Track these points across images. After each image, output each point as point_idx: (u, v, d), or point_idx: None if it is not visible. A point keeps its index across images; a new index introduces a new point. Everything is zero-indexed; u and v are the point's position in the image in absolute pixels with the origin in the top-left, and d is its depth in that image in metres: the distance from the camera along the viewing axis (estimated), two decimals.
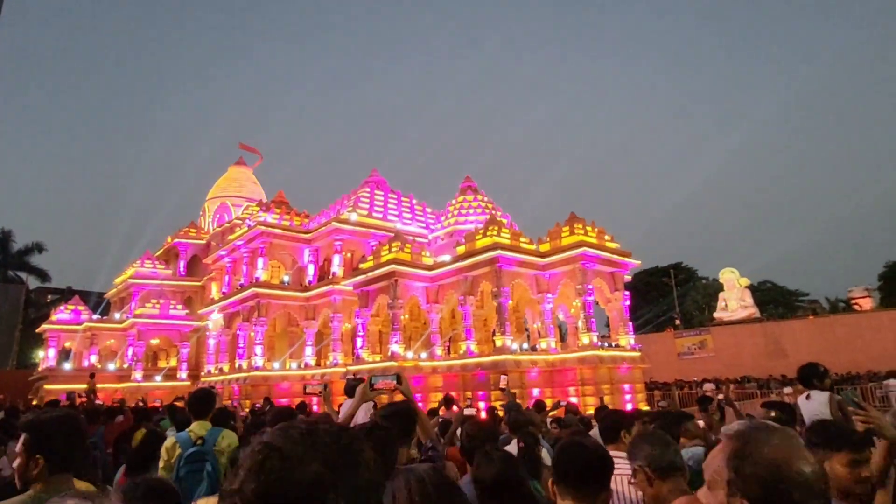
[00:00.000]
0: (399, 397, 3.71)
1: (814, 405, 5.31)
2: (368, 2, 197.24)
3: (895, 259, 44.89)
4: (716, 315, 38.71)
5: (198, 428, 4.02)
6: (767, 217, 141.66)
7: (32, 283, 48.61)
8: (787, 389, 23.90)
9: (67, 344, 34.29)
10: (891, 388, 21.31)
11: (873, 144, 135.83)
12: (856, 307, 44.18)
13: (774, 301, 49.02)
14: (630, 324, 21.14)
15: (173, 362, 33.57)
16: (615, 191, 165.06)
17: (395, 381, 3.58)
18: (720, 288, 40.72)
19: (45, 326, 34.12)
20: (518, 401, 11.11)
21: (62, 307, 35.34)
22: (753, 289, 40.93)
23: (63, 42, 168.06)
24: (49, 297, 64.09)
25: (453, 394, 19.51)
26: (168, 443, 3.94)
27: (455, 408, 9.61)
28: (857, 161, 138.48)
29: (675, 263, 57.01)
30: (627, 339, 20.46)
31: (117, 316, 35.42)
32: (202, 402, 4.26)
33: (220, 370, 28.16)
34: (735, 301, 37.57)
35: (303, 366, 26.07)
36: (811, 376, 5.66)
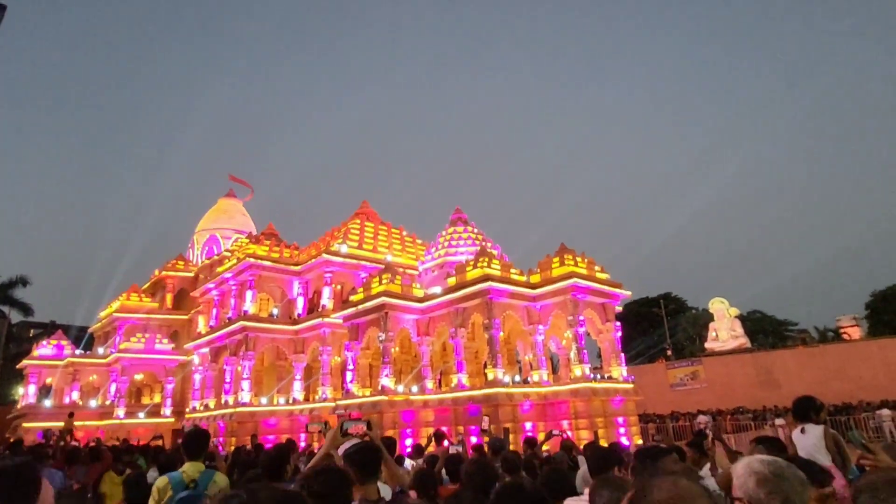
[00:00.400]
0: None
1: (809, 439, 5.24)
2: (360, 31, 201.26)
3: (881, 288, 45.37)
4: (707, 345, 38.68)
5: (190, 469, 3.87)
6: (755, 247, 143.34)
7: (15, 317, 47.48)
8: (780, 421, 23.88)
9: (49, 380, 33.44)
10: (883, 418, 21.29)
11: (860, 178, 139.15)
12: (845, 336, 44.36)
13: (764, 331, 49.13)
14: (622, 355, 21.03)
15: (157, 398, 32.79)
16: (605, 222, 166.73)
17: (365, 427, 3.63)
18: (710, 318, 40.79)
19: (25, 362, 33.31)
20: (511, 434, 10.91)
21: (44, 342, 34.60)
22: (743, 319, 41.09)
23: (48, 74, 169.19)
24: (32, 331, 62.83)
25: (445, 429, 19.19)
26: (160, 483, 3.79)
27: (445, 443, 9.47)
28: (843, 193, 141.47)
29: (665, 294, 57.24)
30: (620, 370, 20.32)
31: (101, 351, 34.70)
32: (196, 441, 4.10)
33: (206, 406, 27.50)
34: (725, 331, 37.62)
35: (291, 401, 25.55)
36: (808, 409, 5.59)
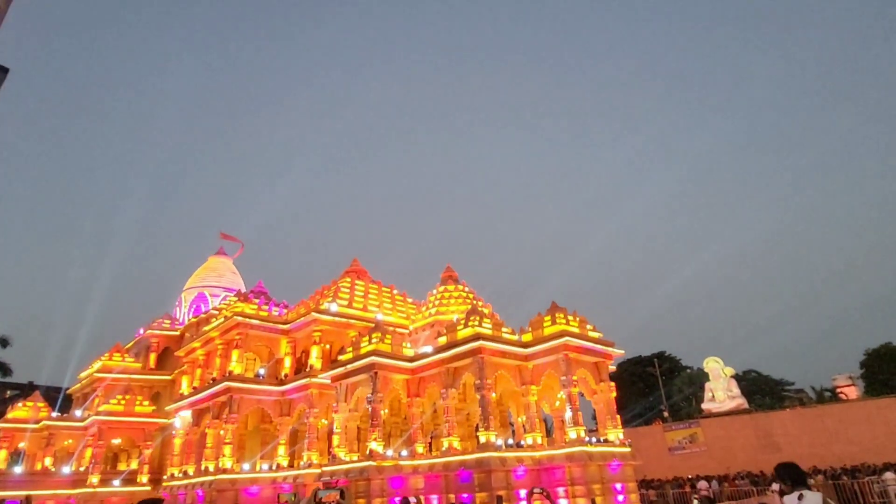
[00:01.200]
0: None
1: None
2: (353, 80, 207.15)
3: (875, 346, 45.18)
4: (704, 406, 37.89)
5: None
6: (750, 309, 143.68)
7: None
8: (774, 486, 23.04)
9: (21, 444, 31.94)
10: (888, 482, 20.59)
11: (856, 242, 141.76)
12: (842, 396, 43.76)
13: (761, 391, 48.39)
14: (618, 416, 20.48)
15: (134, 464, 31.25)
16: (599, 282, 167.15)
17: (338, 496, 3.50)
18: (705, 377, 40.21)
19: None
20: (505, 503, 10.37)
21: (20, 403, 33.30)
22: (739, 378, 40.49)
23: (22, 120, 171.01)
24: (8, 392, 60.74)
25: (435, 497, 18.32)
26: None
27: None
28: (836, 253, 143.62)
29: (659, 353, 56.63)
30: (616, 433, 19.71)
31: (79, 413, 33.41)
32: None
33: (185, 473, 26.19)
34: (722, 391, 36.98)
35: (275, 467, 24.44)
36: (801, 475, 5.53)
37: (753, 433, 32.76)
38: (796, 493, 5.40)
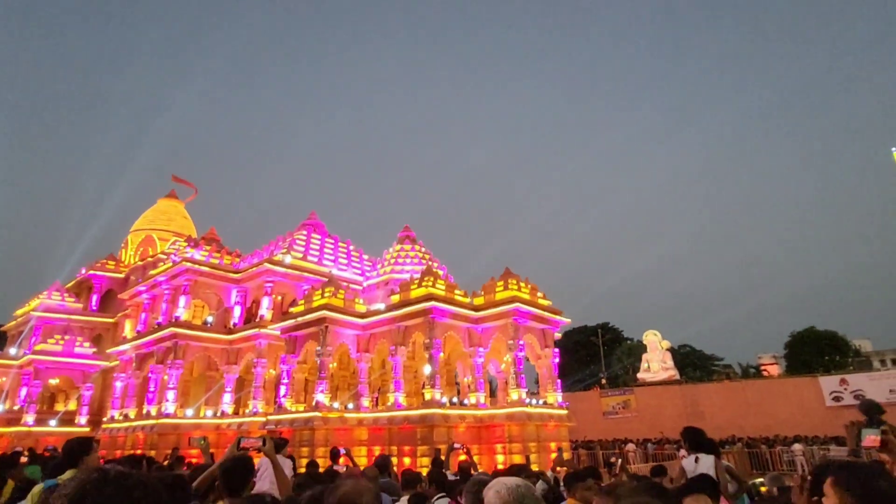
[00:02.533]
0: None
1: (702, 468, 5.78)
2: (313, 42, 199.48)
3: (800, 329, 48.44)
4: (639, 375, 40.02)
5: (70, 476, 3.79)
6: (690, 288, 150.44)
7: None
8: (682, 452, 24.90)
9: None
10: (796, 452, 22.56)
11: (795, 231, 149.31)
12: (765, 373, 47.08)
13: (692, 364, 51.34)
14: (559, 381, 21.43)
15: (73, 406, 30.58)
16: (553, 250, 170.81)
17: (260, 442, 4.00)
18: (644, 349, 42.31)
19: None
20: (442, 458, 10.85)
21: None
22: (673, 352, 42.85)
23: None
24: None
25: (377, 448, 18.88)
26: (36, 489, 3.89)
27: (343, 461, 9.56)
28: (778, 244, 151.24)
29: (603, 323, 58.97)
30: (555, 396, 20.67)
31: (13, 351, 32.17)
32: (76, 450, 4.24)
33: (126, 416, 25.86)
34: (657, 362, 39.09)
35: (219, 414, 24.48)
36: (701, 440, 6.14)
37: (682, 402, 34.96)
38: (693, 456, 5.98)
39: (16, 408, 29.50)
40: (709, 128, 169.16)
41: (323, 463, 10.42)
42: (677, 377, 38.60)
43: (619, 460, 7.87)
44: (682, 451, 23.61)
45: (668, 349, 40.05)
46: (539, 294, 21.70)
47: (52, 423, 28.81)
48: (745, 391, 34.73)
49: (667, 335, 41.23)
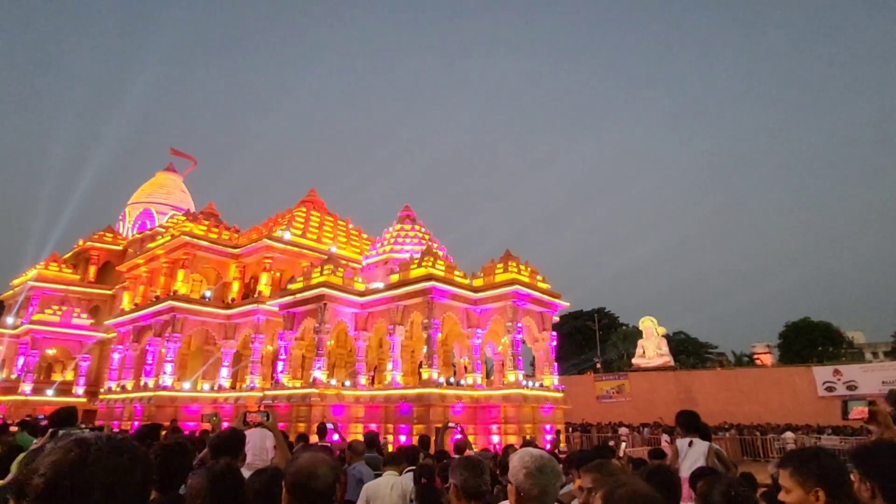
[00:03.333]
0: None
1: (695, 452, 5.82)
2: (325, 17, 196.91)
3: (794, 319, 48.70)
4: (634, 361, 40.28)
5: (48, 446, 3.94)
6: (689, 276, 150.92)
7: None
8: (665, 438, 25.17)
9: None
10: (787, 440, 22.81)
11: (796, 223, 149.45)
12: (758, 362, 47.46)
13: (687, 351, 51.74)
14: (555, 364, 21.53)
15: (70, 376, 30.69)
16: (545, 233, 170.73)
17: (263, 417, 4.18)
18: (639, 335, 42.51)
19: None
20: (441, 436, 10.89)
21: None
22: (669, 338, 43.08)
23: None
24: None
25: (374, 426, 19.00)
26: (21, 456, 4.11)
27: (337, 437, 9.69)
28: (776, 235, 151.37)
29: (599, 308, 59.17)
30: (552, 379, 20.78)
31: (10, 321, 32.16)
32: (64, 419, 4.51)
33: (123, 387, 25.95)
34: (652, 348, 39.32)
35: (216, 388, 24.58)
36: (695, 423, 6.12)
37: (675, 388, 35.25)
38: (688, 439, 5.99)
39: (13, 377, 29.61)
40: (713, 124, 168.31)
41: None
42: (672, 363, 38.88)
43: (623, 444, 7.89)
44: (666, 438, 24.00)
45: (663, 335, 40.26)
46: (538, 277, 21.69)
47: (49, 392, 28.95)
48: (738, 379, 35.01)
49: (662, 323, 41.44)
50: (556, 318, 22.66)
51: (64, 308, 30.73)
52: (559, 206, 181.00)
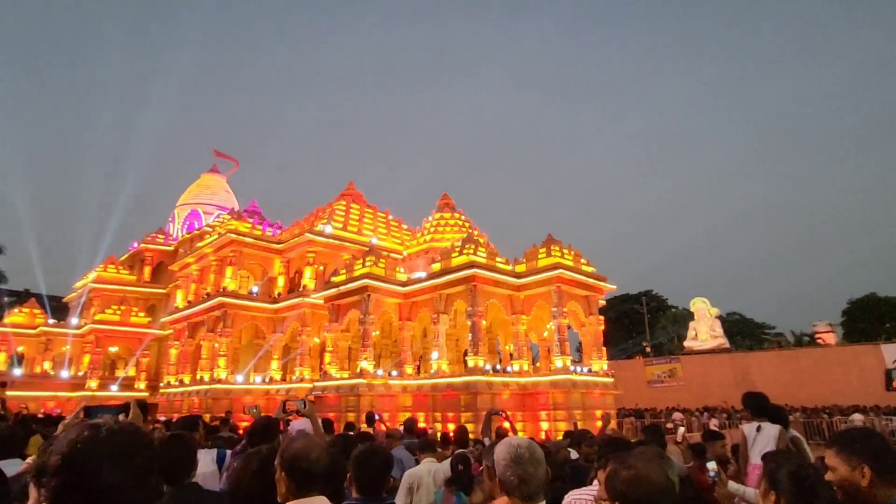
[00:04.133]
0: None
1: (764, 437, 5.38)
2: (359, 13, 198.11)
3: (858, 296, 46.12)
4: (686, 344, 38.99)
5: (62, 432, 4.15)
6: (742, 254, 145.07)
7: None
8: (715, 421, 24.20)
9: (20, 348, 32.70)
10: (856, 422, 21.56)
11: (856, 196, 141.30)
12: (819, 341, 45.13)
13: (742, 333, 49.78)
14: (604, 349, 21.00)
15: (132, 371, 32.20)
16: (589, 213, 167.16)
17: (301, 406, 4.38)
18: (690, 317, 41.11)
19: None
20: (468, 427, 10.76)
21: (17, 310, 33.76)
22: (722, 320, 41.47)
23: (26, 32, 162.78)
24: (6, 299, 61.37)
25: (421, 414, 19.06)
26: (33, 439, 4.51)
27: (382, 427, 9.77)
28: (836, 210, 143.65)
29: (646, 291, 57.64)
30: (601, 364, 20.29)
31: (75, 321, 33.94)
32: (95, 412, 4.54)
33: (181, 381, 27.05)
34: (705, 331, 37.93)
35: (267, 380, 25.23)
36: (763, 406, 5.69)
37: (731, 371, 33.93)
38: (755, 423, 5.54)
39: (80, 374, 31.27)
40: (768, 95, 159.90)
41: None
42: (727, 345, 37.40)
43: (681, 429, 7.46)
44: (714, 421, 23.04)
45: (716, 317, 38.74)
46: (583, 261, 21.14)
47: (114, 387, 30.44)
48: (800, 360, 33.38)
49: (715, 304, 39.87)
50: (602, 302, 22.08)
51: (123, 308, 32.24)
52: (602, 187, 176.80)
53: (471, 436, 9.77)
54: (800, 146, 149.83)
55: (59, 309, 38.95)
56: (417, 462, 5.15)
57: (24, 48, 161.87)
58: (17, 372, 31.07)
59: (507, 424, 9.78)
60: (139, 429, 1.37)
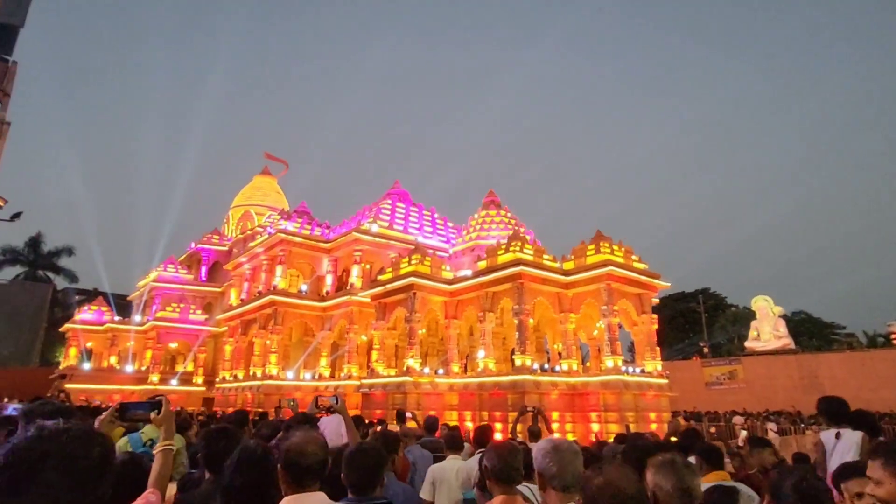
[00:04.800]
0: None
1: (844, 445, 4.84)
2: (402, 10, 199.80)
3: None
4: (747, 344, 37.05)
5: (150, 430, 4.26)
6: (795, 243, 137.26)
7: (61, 283, 49.64)
8: (772, 425, 22.62)
9: (89, 344, 34.60)
10: None
11: None
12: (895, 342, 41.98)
13: (808, 333, 46.95)
14: (657, 349, 20.14)
15: (190, 367, 33.53)
16: (641, 210, 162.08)
17: (333, 402, 4.33)
18: (751, 316, 39.08)
19: (67, 326, 34.56)
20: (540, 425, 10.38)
21: (85, 307, 35.75)
22: (786, 319, 39.20)
23: (92, 41, 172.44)
24: (77, 297, 65.44)
25: (468, 413, 18.84)
26: (121, 442, 4.28)
27: (413, 424, 9.69)
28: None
29: (703, 289, 55.28)
30: (655, 364, 19.47)
31: (138, 318, 35.63)
32: (130, 409, 4.45)
33: (235, 377, 27.91)
34: (768, 330, 35.91)
35: (317, 376, 25.64)
36: (842, 414, 5.14)
37: (797, 373, 32.00)
38: (833, 431, 5.00)
39: (143, 368, 32.81)
40: (828, 83, 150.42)
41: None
42: (792, 346, 35.29)
43: (744, 433, 6.90)
44: (772, 426, 21.58)
45: (780, 316, 36.62)
46: (634, 257, 20.35)
47: (174, 382, 31.75)
48: (874, 362, 31.09)
49: (778, 303, 37.69)
50: (655, 301, 21.19)
51: (182, 305, 33.60)
52: (655, 182, 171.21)
53: (519, 436, 9.48)
54: (878, 130, 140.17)
55: (124, 306, 41.10)
56: (438, 460, 5.22)
57: (78, 56, 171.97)
58: (86, 366, 32.91)
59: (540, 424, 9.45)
60: (89, 431, 1.30)
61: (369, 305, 23.47)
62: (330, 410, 4.50)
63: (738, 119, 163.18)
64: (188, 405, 25.68)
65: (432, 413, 16.24)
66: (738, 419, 25.32)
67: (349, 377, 23.67)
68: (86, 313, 35.00)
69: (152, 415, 2.68)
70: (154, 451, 2.47)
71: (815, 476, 2.41)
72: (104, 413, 2.72)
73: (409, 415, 10.01)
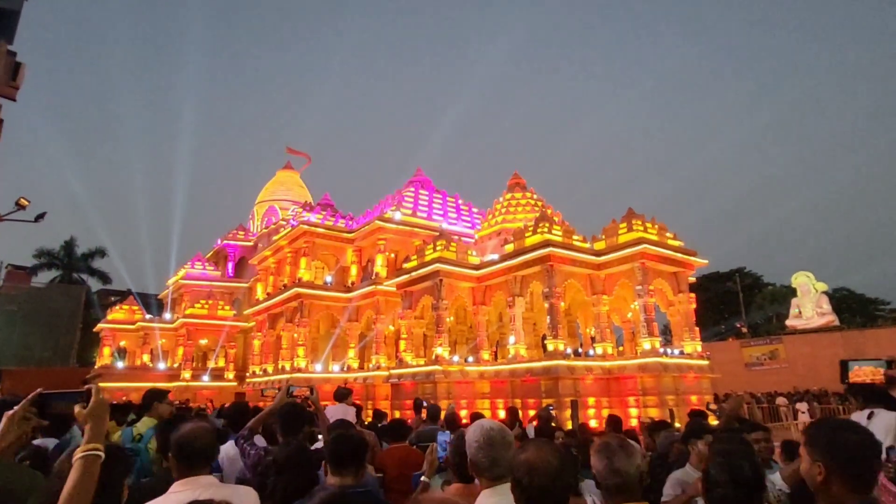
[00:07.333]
0: None
1: (877, 427, 4.29)
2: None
3: None
4: (789, 322, 35.53)
5: (142, 425, 4.15)
6: (837, 222, 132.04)
7: (95, 285, 50.56)
8: (802, 405, 21.49)
9: (122, 343, 35.14)
10: None
11: None
12: None
13: (851, 309, 44.97)
14: (696, 329, 19.25)
15: (221, 363, 33.76)
16: (670, 186, 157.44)
17: (308, 391, 4.56)
18: (790, 294, 37.50)
19: (100, 326, 35.10)
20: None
21: (117, 307, 36.29)
22: (829, 295, 37.51)
23: (113, 48, 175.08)
24: (111, 298, 66.85)
25: (500, 401, 18.30)
26: (114, 436, 4.25)
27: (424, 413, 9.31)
28: None
29: (739, 268, 53.51)
30: (694, 345, 18.62)
31: (168, 316, 36.01)
32: (150, 399, 4.49)
33: (265, 371, 27.93)
34: (811, 307, 34.35)
35: (345, 368, 25.44)
36: (878, 393, 4.71)
37: (843, 351, 30.45)
38: (866, 411, 4.56)
39: (175, 365, 33.14)
40: (871, 55, 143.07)
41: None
42: (836, 323, 33.72)
43: (802, 416, 6.37)
44: (802, 407, 20.59)
45: (823, 292, 34.99)
46: (668, 234, 19.45)
47: (205, 378, 32.00)
48: None
49: (819, 280, 35.98)
50: (692, 279, 20.27)
51: (210, 302, 33.76)
52: (690, 165, 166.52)
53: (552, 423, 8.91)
54: None
55: (155, 305, 41.65)
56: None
57: (98, 65, 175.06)
58: (120, 365, 33.41)
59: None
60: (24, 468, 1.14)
61: (395, 294, 23.08)
62: (305, 400, 4.55)
63: (793, 100, 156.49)
64: (220, 400, 25.77)
65: (449, 402, 15.86)
66: (781, 400, 24.27)
67: (377, 367, 23.35)
68: (117, 313, 35.53)
69: (76, 408, 1.87)
70: (73, 459, 1.76)
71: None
72: (16, 407, 1.96)
73: (424, 404, 9.62)
